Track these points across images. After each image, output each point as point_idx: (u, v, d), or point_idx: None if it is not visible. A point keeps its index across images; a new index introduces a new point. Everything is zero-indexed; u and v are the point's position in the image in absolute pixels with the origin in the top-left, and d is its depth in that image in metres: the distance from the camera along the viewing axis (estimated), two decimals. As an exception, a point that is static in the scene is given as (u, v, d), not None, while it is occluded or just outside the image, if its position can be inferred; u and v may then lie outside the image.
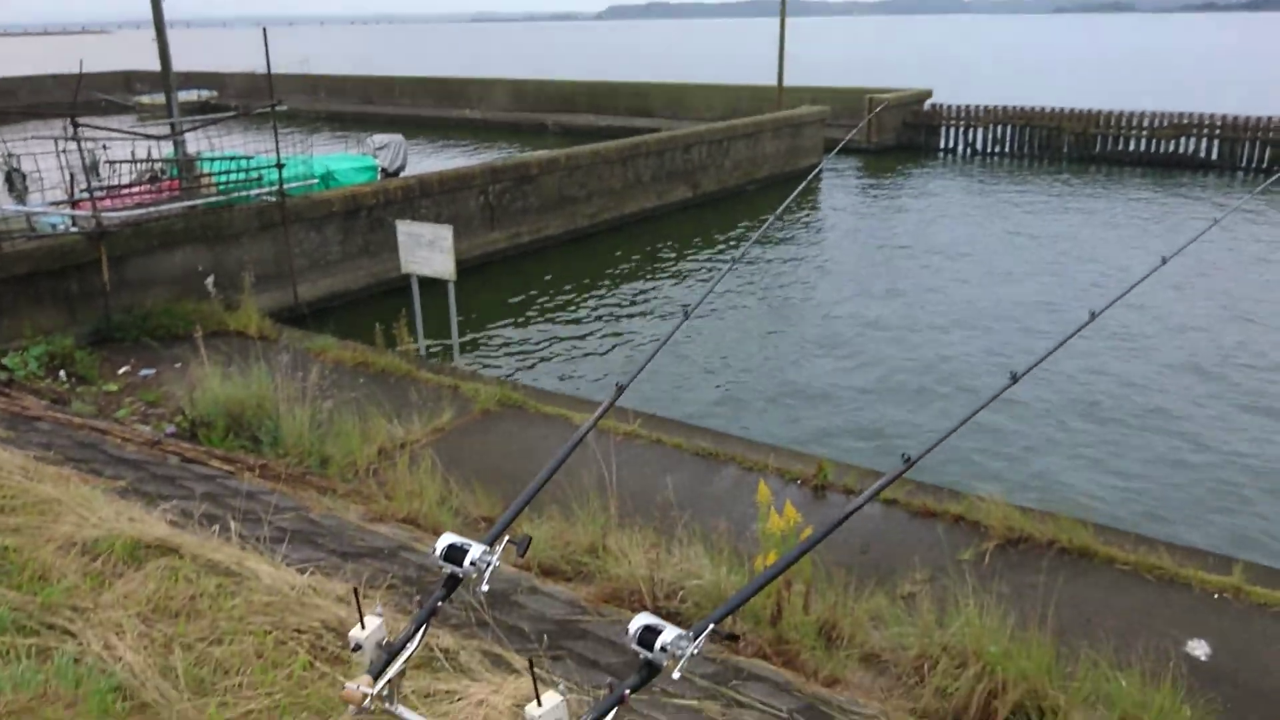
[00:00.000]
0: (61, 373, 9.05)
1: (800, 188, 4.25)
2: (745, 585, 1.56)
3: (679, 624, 4.69)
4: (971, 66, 68.45)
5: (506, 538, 1.65)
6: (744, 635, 4.61)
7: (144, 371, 9.39)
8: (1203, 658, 4.68)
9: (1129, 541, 5.73)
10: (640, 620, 1.45)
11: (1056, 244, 17.59)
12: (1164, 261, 2.51)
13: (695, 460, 7.18)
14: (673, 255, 17.37)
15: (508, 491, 6.25)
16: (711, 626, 1.48)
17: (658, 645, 1.40)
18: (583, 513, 5.51)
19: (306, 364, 8.70)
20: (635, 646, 1.45)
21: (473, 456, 7.28)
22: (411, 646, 1.56)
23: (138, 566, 3.22)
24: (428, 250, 9.25)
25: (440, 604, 1.62)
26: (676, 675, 1.40)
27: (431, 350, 11.39)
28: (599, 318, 13.93)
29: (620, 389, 2.10)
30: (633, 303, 14.66)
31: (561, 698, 1.39)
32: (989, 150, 27.83)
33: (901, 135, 28.86)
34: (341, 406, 7.86)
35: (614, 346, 12.74)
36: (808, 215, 20.89)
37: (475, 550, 1.62)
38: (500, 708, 2.50)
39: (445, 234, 9.16)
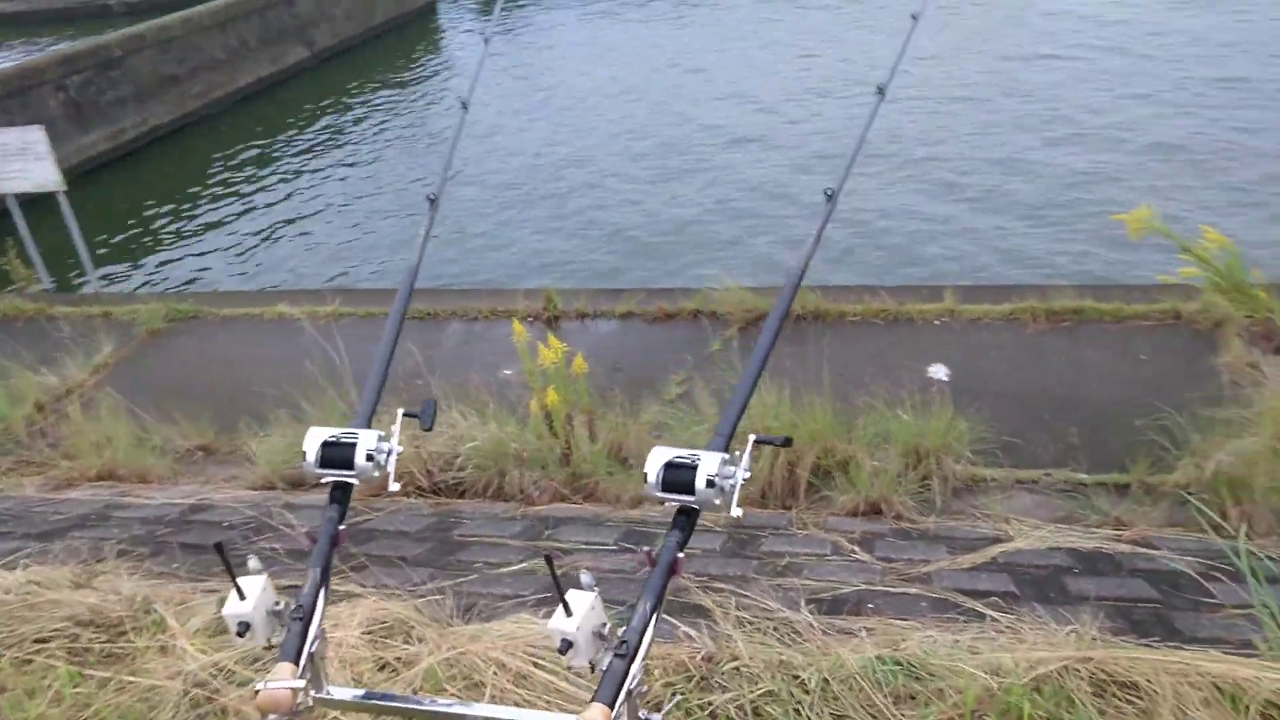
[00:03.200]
0: None
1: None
2: (735, 394, 1.19)
3: (468, 497, 4.16)
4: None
5: (401, 411, 1.17)
6: (536, 483, 4.35)
7: None
8: (945, 378, 5.05)
9: (852, 294, 6.02)
10: (658, 457, 1.06)
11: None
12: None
13: (414, 324, 6.62)
14: (306, 123, 15.78)
15: (221, 408, 5.44)
16: (753, 438, 1.11)
17: (701, 481, 1.05)
18: (315, 409, 4.87)
19: (-102, 332, 6.99)
20: (660, 494, 1.08)
21: (158, 384, 6.24)
22: (322, 603, 1.06)
23: None
24: (20, 160, 7.56)
25: (340, 528, 1.12)
26: (738, 513, 1.02)
27: (59, 281, 9.63)
28: (246, 206, 12.46)
29: (433, 200, 1.62)
30: (278, 179, 13.24)
31: (593, 592, 0.98)
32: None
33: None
34: (-34, 370, 6.41)
35: (274, 231, 11.50)
36: (434, 59, 19.77)
37: (367, 438, 1.14)
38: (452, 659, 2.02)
39: (37, 136, 7.51)
